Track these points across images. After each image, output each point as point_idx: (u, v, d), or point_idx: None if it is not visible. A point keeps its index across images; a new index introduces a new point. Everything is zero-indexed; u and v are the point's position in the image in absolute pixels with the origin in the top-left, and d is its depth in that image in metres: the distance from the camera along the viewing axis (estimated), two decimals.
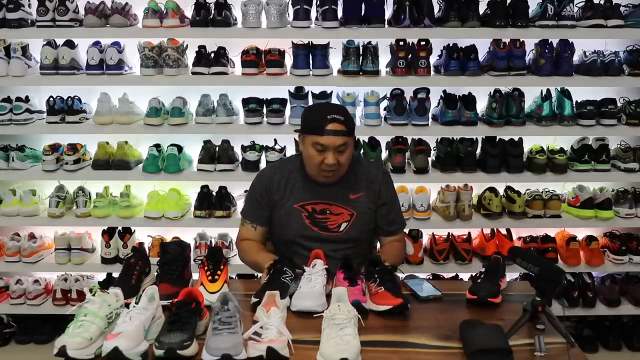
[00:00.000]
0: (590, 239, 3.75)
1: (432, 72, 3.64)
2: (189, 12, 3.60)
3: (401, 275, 2.46)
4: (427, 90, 3.64)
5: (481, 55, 3.67)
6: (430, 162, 3.71)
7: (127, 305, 1.95)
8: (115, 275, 3.51)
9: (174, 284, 2.17)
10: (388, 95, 3.68)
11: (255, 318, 1.97)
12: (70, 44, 3.62)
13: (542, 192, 3.72)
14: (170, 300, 2.00)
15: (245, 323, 1.95)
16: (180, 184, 3.76)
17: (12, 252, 3.70)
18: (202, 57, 3.58)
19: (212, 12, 3.53)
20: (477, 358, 1.84)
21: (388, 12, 3.61)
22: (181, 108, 3.58)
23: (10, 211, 3.66)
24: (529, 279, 2.39)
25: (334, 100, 3.65)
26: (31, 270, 3.80)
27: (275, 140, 3.67)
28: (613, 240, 3.78)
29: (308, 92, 3.63)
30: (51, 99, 3.62)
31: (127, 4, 3.63)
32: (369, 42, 3.58)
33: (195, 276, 2.34)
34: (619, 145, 3.76)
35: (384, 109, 3.69)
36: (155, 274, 2.30)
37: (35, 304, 3.74)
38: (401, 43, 3.55)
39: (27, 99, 3.66)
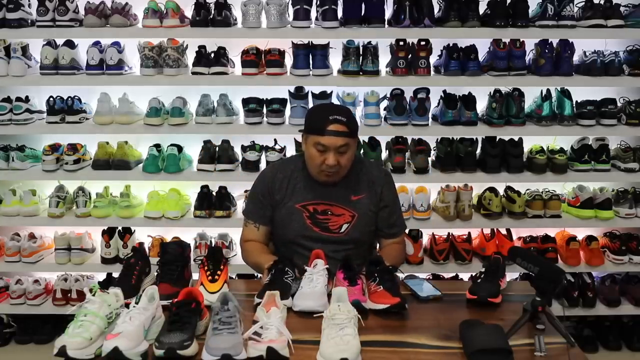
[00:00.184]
0: (590, 239, 3.75)
1: (432, 72, 3.64)
2: (189, 12, 3.60)
3: (401, 275, 2.46)
4: (427, 90, 3.64)
5: (481, 55, 3.67)
6: (430, 162, 3.71)
7: (127, 305, 1.95)
8: (115, 275, 3.52)
9: (174, 284, 2.17)
10: (388, 95, 3.68)
11: (255, 318, 1.97)
12: (70, 44, 3.62)
13: (542, 192, 3.72)
14: (170, 300, 1.99)
15: (245, 323, 1.95)
16: (180, 184, 3.76)
17: (12, 252, 3.70)
18: (202, 57, 3.58)
19: (212, 12, 3.53)
20: (477, 358, 1.84)
21: (388, 12, 3.61)
22: (181, 108, 3.59)
23: (10, 211, 3.66)
24: (529, 279, 2.39)
25: (334, 100, 3.65)
26: (31, 270, 3.80)
27: (275, 140, 3.67)
28: (613, 240, 3.78)
29: (308, 92, 3.63)
30: (51, 99, 3.62)
31: (127, 4, 3.63)
32: (369, 42, 3.58)
33: (195, 276, 2.34)
34: (619, 145, 3.76)
35: (384, 109, 3.69)
36: (155, 274, 2.30)
37: (35, 304, 3.74)
38: (401, 43, 3.56)
39: (27, 99, 3.66)
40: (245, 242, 2.73)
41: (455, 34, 3.60)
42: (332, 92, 3.67)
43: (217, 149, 3.67)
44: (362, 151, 3.64)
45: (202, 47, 3.61)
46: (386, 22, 3.59)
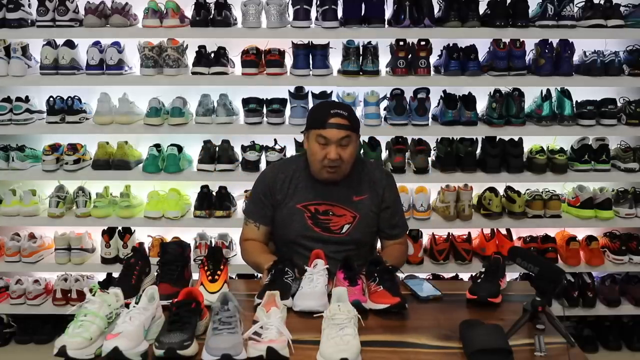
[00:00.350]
0: (590, 239, 3.75)
1: (432, 72, 3.64)
2: (189, 12, 3.60)
3: (401, 275, 2.46)
4: (427, 90, 3.64)
5: (481, 55, 3.67)
6: (430, 162, 3.71)
7: (127, 305, 1.95)
8: (115, 275, 3.52)
9: (174, 284, 2.17)
10: (388, 95, 3.68)
11: (255, 318, 1.97)
12: (70, 44, 3.62)
13: (542, 192, 3.72)
14: (170, 300, 1.99)
15: (245, 323, 1.95)
16: (180, 184, 3.76)
17: (12, 252, 3.70)
18: (202, 57, 3.58)
19: (212, 12, 3.53)
20: (477, 358, 1.84)
21: (388, 12, 3.61)
22: (181, 108, 3.59)
23: (10, 211, 3.66)
24: (529, 279, 2.39)
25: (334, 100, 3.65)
26: (31, 270, 3.80)
27: (275, 140, 3.67)
28: (613, 240, 3.79)
29: (308, 92, 3.63)
30: (51, 99, 3.62)
31: (127, 4, 3.63)
32: (369, 42, 3.58)
33: (195, 276, 2.34)
34: (619, 145, 3.76)
35: (384, 109, 3.70)
36: (155, 274, 2.30)
37: (35, 304, 3.74)
38: (401, 43, 3.56)
39: (27, 99, 3.66)
40: (245, 241, 2.73)
41: (455, 34, 3.60)
42: (332, 92, 3.67)
43: (217, 149, 3.67)
44: (362, 151, 3.64)
45: (202, 47, 3.61)
46: (386, 22, 3.59)
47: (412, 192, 3.75)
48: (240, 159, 3.68)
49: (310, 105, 3.59)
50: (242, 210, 3.66)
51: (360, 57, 3.57)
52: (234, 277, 3.43)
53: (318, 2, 3.52)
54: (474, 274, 2.49)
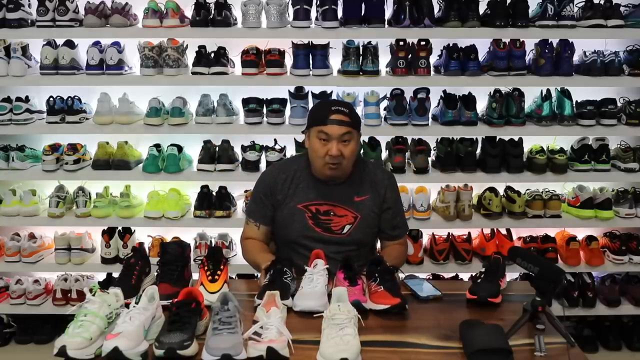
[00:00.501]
0: (590, 239, 3.75)
1: (432, 72, 3.64)
2: (189, 12, 3.60)
3: (401, 275, 2.46)
4: (427, 90, 3.64)
5: (481, 55, 3.67)
6: (430, 162, 3.71)
7: (127, 305, 1.95)
8: (115, 275, 3.52)
9: (174, 284, 2.17)
10: (388, 95, 3.68)
11: (255, 318, 1.97)
12: (70, 44, 3.62)
13: (542, 192, 3.72)
14: (170, 300, 2.00)
15: (245, 323, 1.95)
16: (180, 184, 3.76)
17: (12, 252, 3.70)
18: (202, 57, 3.58)
19: (212, 12, 3.53)
20: (477, 358, 1.84)
21: (388, 12, 3.61)
22: (181, 108, 3.59)
23: (10, 211, 3.66)
24: (529, 279, 2.39)
25: None
26: (31, 270, 3.80)
27: (275, 140, 3.67)
28: (613, 240, 3.78)
29: (308, 92, 3.63)
30: (51, 99, 3.62)
31: (127, 4, 3.63)
32: (369, 42, 3.58)
33: (195, 276, 2.34)
34: (619, 145, 3.76)
35: (384, 109, 3.70)
36: (155, 274, 2.30)
37: (35, 304, 3.74)
38: (401, 43, 3.56)
39: (27, 99, 3.66)
40: (245, 240, 2.73)
41: (455, 34, 3.60)
42: (332, 92, 3.67)
43: (217, 149, 3.67)
44: (362, 151, 3.64)
45: (202, 47, 3.61)
46: (386, 22, 3.59)
47: (412, 192, 3.75)
48: (240, 159, 3.68)
49: (310, 105, 3.59)
50: (242, 209, 3.67)
51: (360, 57, 3.57)
52: (234, 277, 3.43)
53: (318, 2, 3.52)
54: (474, 274, 2.49)
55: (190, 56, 3.66)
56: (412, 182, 3.71)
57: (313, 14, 3.58)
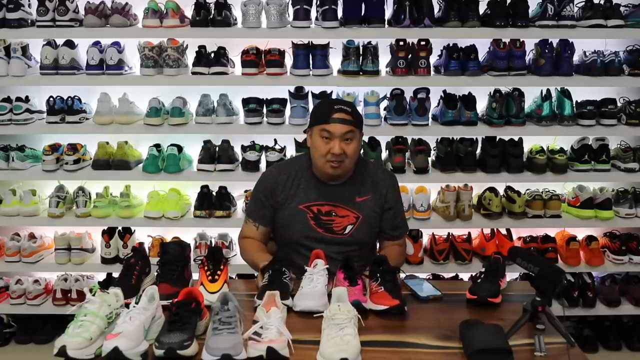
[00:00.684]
0: (590, 239, 3.75)
1: (432, 72, 3.64)
2: (189, 12, 3.60)
3: (401, 275, 2.46)
4: (427, 90, 3.64)
5: (481, 55, 3.67)
6: (430, 162, 3.71)
7: (127, 305, 1.95)
8: (115, 275, 3.52)
9: (174, 284, 2.17)
10: (388, 95, 3.68)
11: (255, 318, 1.97)
12: (70, 44, 3.62)
13: (542, 192, 3.71)
14: (170, 300, 2.00)
15: (245, 323, 1.95)
16: (180, 184, 3.76)
17: (12, 252, 3.70)
18: (202, 57, 3.58)
19: (212, 12, 3.53)
20: (477, 358, 1.84)
21: (388, 12, 3.61)
22: (181, 108, 3.58)
23: (10, 211, 3.66)
24: (529, 279, 2.39)
25: None
26: (31, 270, 3.80)
27: (275, 140, 3.67)
28: (613, 240, 3.78)
29: (308, 92, 3.63)
30: (51, 99, 3.62)
31: (127, 4, 3.63)
32: (369, 42, 3.58)
33: (195, 276, 2.34)
34: (619, 145, 3.76)
35: (384, 109, 3.70)
36: (155, 274, 2.30)
37: (35, 304, 3.74)
38: (401, 43, 3.56)
39: (27, 99, 3.66)
40: (243, 239, 2.73)
41: (455, 34, 3.60)
42: (332, 92, 3.67)
43: (217, 149, 3.67)
44: (362, 151, 3.64)
45: (202, 47, 3.61)
46: (386, 22, 3.59)
47: (412, 192, 3.75)
48: (240, 159, 3.68)
49: (311, 105, 3.59)
50: (242, 209, 3.67)
51: (360, 57, 3.57)
52: (234, 277, 3.43)
53: (318, 2, 3.52)
54: (474, 274, 2.49)
55: (190, 56, 3.66)
56: (412, 182, 3.71)
57: (313, 14, 3.58)
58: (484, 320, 2.00)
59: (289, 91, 3.63)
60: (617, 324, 3.88)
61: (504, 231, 3.79)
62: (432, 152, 3.75)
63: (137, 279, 2.28)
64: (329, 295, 2.17)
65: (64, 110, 3.63)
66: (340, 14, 3.54)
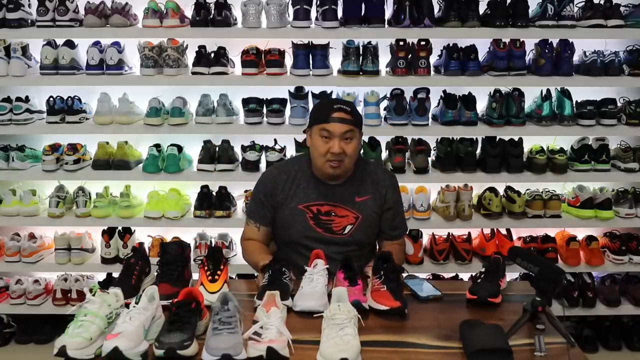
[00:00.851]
0: (590, 239, 3.75)
1: (432, 72, 3.64)
2: (189, 12, 3.60)
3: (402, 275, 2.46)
4: (427, 90, 3.64)
5: (481, 55, 3.67)
6: (430, 162, 3.71)
7: (127, 305, 1.95)
8: (115, 275, 3.52)
9: (174, 284, 2.17)
10: (388, 95, 3.68)
11: (255, 318, 1.97)
12: (70, 44, 3.62)
13: (542, 192, 3.71)
14: (170, 300, 2.00)
15: (245, 323, 1.95)
16: (180, 184, 3.76)
17: (12, 252, 3.70)
18: (202, 57, 3.58)
19: (212, 12, 3.53)
20: (477, 358, 1.84)
21: (388, 12, 3.61)
22: (181, 108, 3.59)
23: (10, 211, 3.66)
24: (529, 279, 2.39)
25: None
26: (31, 270, 3.80)
27: (275, 140, 3.67)
28: (613, 240, 3.78)
29: (308, 92, 3.63)
30: (51, 99, 3.62)
31: (127, 4, 3.63)
32: (369, 42, 3.58)
33: (195, 276, 2.34)
34: (619, 145, 3.76)
35: (384, 109, 3.70)
36: (155, 274, 2.30)
37: (35, 304, 3.74)
38: (401, 43, 3.56)
39: (27, 99, 3.66)
40: (245, 241, 2.73)
41: (455, 34, 3.60)
42: (332, 92, 3.67)
43: (217, 149, 3.67)
44: (362, 151, 3.64)
45: (202, 47, 3.61)
46: (386, 22, 3.59)
47: (412, 192, 3.75)
48: (240, 159, 3.68)
49: (310, 105, 3.59)
50: (242, 209, 3.67)
51: (360, 57, 3.57)
52: (234, 277, 3.43)
53: (318, 2, 3.52)
54: (474, 274, 2.49)
55: (190, 56, 3.66)
56: (412, 182, 3.71)
57: (313, 14, 3.58)
58: (484, 320, 2.00)
59: (289, 91, 3.63)
60: (617, 324, 3.88)
61: (504, 231, 3.79)
62: (432, 152, 3.75)
63: (137, 279, 2.28)
64: (329, 295, 2.17)
65: (64, 110, 3.63)
66: (340, 14, 3.54)
